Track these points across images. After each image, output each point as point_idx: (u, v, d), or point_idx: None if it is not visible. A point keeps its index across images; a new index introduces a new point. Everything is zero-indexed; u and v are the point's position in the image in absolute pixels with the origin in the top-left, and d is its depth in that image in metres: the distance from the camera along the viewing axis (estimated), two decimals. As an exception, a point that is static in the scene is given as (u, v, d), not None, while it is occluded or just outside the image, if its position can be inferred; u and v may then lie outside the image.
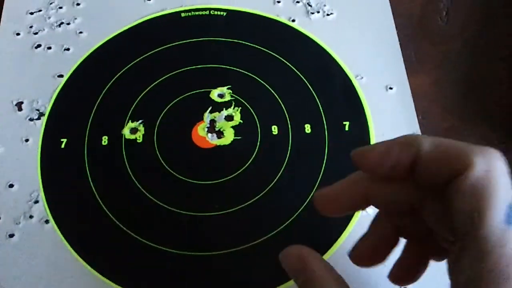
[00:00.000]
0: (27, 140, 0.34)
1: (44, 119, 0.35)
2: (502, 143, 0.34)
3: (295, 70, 0.36)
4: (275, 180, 0.32)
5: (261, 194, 0.32)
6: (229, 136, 0.34)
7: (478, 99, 0.36)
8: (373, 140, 0.34)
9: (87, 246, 0.30)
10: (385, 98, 0.35)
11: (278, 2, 0.40)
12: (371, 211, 0.31)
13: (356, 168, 0.22)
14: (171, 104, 0.35)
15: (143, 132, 0.34)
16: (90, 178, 0.32)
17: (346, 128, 0.34)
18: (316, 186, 0.32)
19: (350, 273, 0.29)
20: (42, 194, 0.32)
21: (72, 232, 0.31)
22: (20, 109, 0.35)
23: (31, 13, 0.39)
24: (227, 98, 0.35)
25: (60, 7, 0.39)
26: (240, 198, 0.32)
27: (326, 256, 0.30)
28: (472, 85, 0.36)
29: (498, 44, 0.38)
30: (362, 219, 0.31)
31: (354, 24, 0.39)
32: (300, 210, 0.32)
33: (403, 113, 0.35)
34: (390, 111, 0.35)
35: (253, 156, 0.33)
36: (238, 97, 0.35)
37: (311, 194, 0.32)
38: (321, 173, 0.33)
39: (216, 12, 0.39)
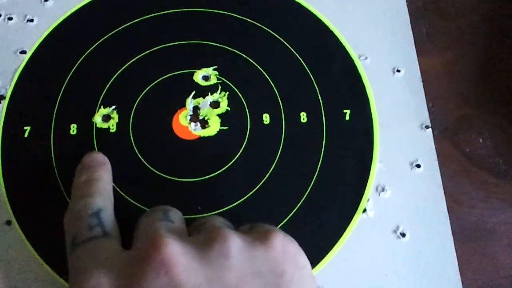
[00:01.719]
0: (-15, 127, 0.30)
1: (4, 103, 0.30)
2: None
3: (290, 48, 0.32)
4: (267, 176, 0.29)
5: (250, 193, 0.28)
6: (214, 126, 0.30)
7: (495, 84, 0.32)
8: (376, 131, 0.30)
9: (53, 249, 0.27)
10: (392, 82, 0.31)
11: (273, -33, 0.35)
12: (372, 214, 0.28)
13: None
14: (149, 88, 0.31)
15: (116, 120, 0.30)
16: (56, 172, 0.28)
17: (347, 117, 0.30)
18: (312, 182, 0.29)
19: (350, 279, 0.26)
20: (3, 191, 0.28)
21: (36, 233, 0.27)
22: (-24, 91, 0.31)
23: (-12, -23, 0.34)
24: (213, 81, 0.31)
25: (21, -30, 0.34)
26: (226, 198, 0.28)
27: (324, 260, 0.27)
28: (489, 67, 0.32)
29: (520, 19, 0.34)
30: (362, 222, 0.28)
31: (358, -6, 0.34)
32: (295, 209, 0.28)
33: (411, 100, 0.31)
34: (396, 98, 0.31)
35: (242, 149, 0.29)
36: (226, 80, 0.31)
37: (307, 192, 0.29)
38: (318, 167, 0.29)
39: (202, -22, 0.34)
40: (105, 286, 0.19)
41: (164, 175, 0.29)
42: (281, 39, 0.32)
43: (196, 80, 0.31)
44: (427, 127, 0.30)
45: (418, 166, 0.29)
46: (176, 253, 0.20)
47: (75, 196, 0.25)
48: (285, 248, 0.21)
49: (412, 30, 0.33)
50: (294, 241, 0.22)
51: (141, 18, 0.33)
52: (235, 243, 0.21)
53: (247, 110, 0.30)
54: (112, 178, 0.27)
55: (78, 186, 0.26)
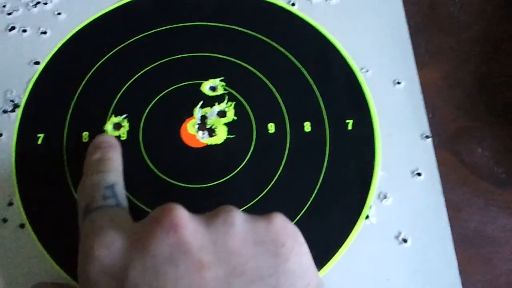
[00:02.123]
0: (0, 135, 0.31)
1: (19, 111, 0.31)
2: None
3: (295, 60, 0.33)
4: (272, 184, 0.30)
5: (256, 200, 0.29)
6: (221, 135, 0.31)
7: (492, 96, 0.33)
8: (378, 141, 0.31)
9: (65, 253, 0.28)
10: (392, 94, 0.32)
11: (277, -17, 0.36)
12: (375, 220, 0.28)
13: None
14: (158, 98, 0.32)
15: (127, 129, 0.31)
16: (69, 179, 0.29)
17: (349, 127, 0.31)
18: (316, 190, 0.30)
19: (353, 284, 0.27)
20: (16, 196, 0.29)
21: (49, 237, 0.28)
22: (-9, 100, 0.32)
23: (4, -9, 0.35)
24: (220, 91, 0.32)
25: (36, -15, 0.35)
26: (233, 204, 0.29)
27: (328, 265, 0.28)
28: (486, 80, 0.33)
29: (516, 34, 0.35)
30: (365, 228, 0.29)
31: (360, 9, 0.35)
32: (299, 216, 0.29)
33: (411, 111, 0.32)
34: (397, 109, 0.32)
35: (248, 157, 0.30)
36: (232, 91, 0.32)
37: (311, 199, 0.29)
38: (322, 176, 0.30)
39: (209, -6, 0.36)
40: (117, 245, 0.21)
41: (173, 181, 0.29)
42: (285, 52, 0.34)
43: (203, 91, 0.32)
44: (427, 137, 0.31)
45: (419, 174, 0.30)
46: (185, 217, 0.21)
47: (89, 171, 0.26)
48: (285, 225, 0.22)
49: (412, 44, 0.34)
50: (293, 224, 0.23)
51: (151, 31, 0.34)
52: (239, 215, 0.22)
53: (253, 119, 0.31)
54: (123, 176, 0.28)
55: (92, 163, 0.27)
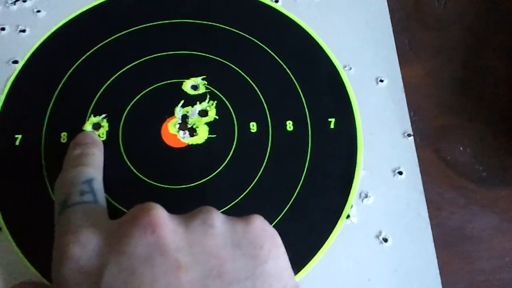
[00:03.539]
0: (-23, 136, 0.30)
1: (-4, 111, 0.31)
2: (500, 143, 0.31)
3: (277, 58, 0.33)
4: (253, 183, 0.30)
5: (237, 200, 0.29)
6: (202, 134, 0.31)
7: (477, 94, 0.33)
8: (360, 140, 0.31)
9: (43, 257, 0.27)
10: (375, 92, 0.32)
11: (260, -21, 0.36)
12: (355, 220, 0.28)
13: None
14: (138, 97, 0.31)
15: (107, 129, 0.30)
16: (47, 181, 0.29)
17: (332, 126, 0.31)
18: (298, 189, 0.29)
19: (334, 284, 0.27)
20: (-6, 198, 0.29)
21: (26, 240, 0.28)
22: (-32, 100, 0.31)
23: (-19, -12, 0.35)
24: (202, 90, 0.32)
25: (14, -18, 0.35)
26: (213, 204, 0.28)
27: (309, 265, 0.28)
28: (470, 77, 0.33)
29: (501, 31, 0.35)
30: (346, 228, 0.29)
31: (343, 5, 0.35)
32: (280, 216, 0.29)
33: (394, 109, 0.32)
34: (380, 107, 0.32)
35: (229, 156, 0.30)
36: (214, 89, 0.32)
37: (293, 198, 0.29)
38: (303, 175, 0.30)
39: (190, -10, 0.35)
40: (93, 243, 0.20)
41: (153, 182, 0.29)
42: (268, 49, 0.33)
43: (185, 90, 0.32)
44: (409, 135, 0.31)
45: (400, 173, 0.30)
46: (164, 216, 0.21)
47: (68, 165, 0.26)
48: (264, 226, 0.22)
49: (395, 41, 0.34)
50: (272, 228, 0.23)
51: (132, 29, 0.33)
52: (218, 216, 0.22)
53: (234, 118, 0.31)
54: (103, 177, 0.28)
55: (72, 157, 0.27)
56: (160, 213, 0.21)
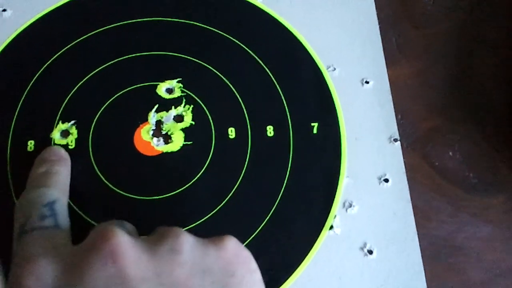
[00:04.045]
0: None
1: (-41, 118, 0.29)
2: (492, 148, 0.30)
3: (257, 58, 0.31)
4: (231, 193, 0.28)
5: (214, 211, 0.27)
6: (178, 141, 0.29)
7: (466, 95, 0.31)
8: (344, 145, 0.29)
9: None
10: (360, 94, 0.31)
11: (240, -26, 0.34)
12: (339, 231, 0.27)
13: None
14: (109, 101, 0.30)
15: (76, 136, 0.29)
16: (13, 191, 0.27)
17: (314, 131, 0.30)
18: (279, 198, 0.28)
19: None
20: (-44, 211, 0.27)
21: None
22: None
23: None
24: (177, 93, 0.30)
25: (-22, -21, 0.33)
26: (190, 216, 0.27)
27: (291, 279, 0.26)
28: (461, 78, 0.31)
29: (493, 27, 0.33)
30: (329, 239, 0.27)
31: (327, 3, 0.33)
32: (260, 227, 0.27)
33: (380, 113, 0.30)
34: (365, 110, 0.30)
35: (206, 165, 0.28)
36: (190, 93, 0.30)
37: (273, 208, 0.28)
38: (284, 183, 0.28)
39: (166, -14, 0.33)
40: (49, 274, 0.19)
41: (124, 193, 0.28)
42: (248, 49, 0.31)
43: (159, 93, 0.30)
44: (395, 140, 0.29)
45: (386, 180, 0.28)
46: (125, 244, 0.19)
47: (30, 186, 0.25)
48: (237, 251, 0.21)
49: (382, 39, 0.32)
50: (246, 249, 0.22)
51: (102, 28, 0.32)
52: (187, 240, 0.20)
53: (212, 124, 0.29)
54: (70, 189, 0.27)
55: (35, 177, 0.25)
56: (120, 239, 0.19)
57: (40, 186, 0.24)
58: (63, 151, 0.27)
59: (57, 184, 0.25)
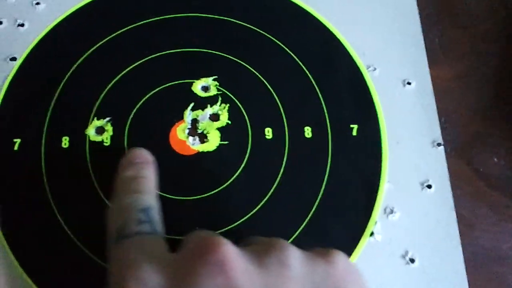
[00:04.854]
0: (-27, 139, 0.28)
1: (-7, 113, 0.29)
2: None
3: (295, 57, 0.30)
4: (268, 195, 0.27)
5: (250, 213, 0.27)
6: (214, 141, 0.28)
7: (511, 100, 0.30)
8: (385, 149, 0.28)
9: (42, 270, 0.25)
10: (402, 95, 0.30)
11: (277, -31, 0.33)
12: (380, 238, 0.26)
13: None
14: (145, 99, 0.29)
15: (111, 133, 0.28)
16: (47, 188, 0.27)
17: (354, 133, 0.29)
18: (316, 202, 0.27)
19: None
20: (-9, 206, 0.27)
21: (25, 252, 0.26)
22: (-37, 101, 0.29)
23: (-23, -22, 0.32)
24: (213, 92, 0.29)
25: (12, -29, 0.32)
26: (226, 217, 0.27)
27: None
28: (506, 79, 0.30)
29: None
30: (369, 246, 0.26)
31: (367, 0, 0.32)
32: (298, 231, 0.27)
33: (422, 116, 0.29)
34: (407, 113, 0.29)
35: (242, 165, 0.28)
36: (226, 91, 0.29)
37: (311, 212, 0.27)
38: (323, 187, 0.28)
39: (201, -20, 0.32)
40: (153, 281, 0.18)
41: (160, 193, 0.27)
42: (285, 47, 0.31)
43: (195, 91, 0.29)
44: (439, 144, 0.28)
45: (429, 186, 0.27)
46: (233, 254, 0.18)
47: (123, 190, 0.24)
48: (347, 268, 0.20)
49: (424, 39, 0.31)
50: (355, 265, 0.21)
51: (138, 23, 0.31)
52: (295, 254, 0.19)
53: (248, 123, 0.29)
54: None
55: (125, 181, 0.24)
56: (229, 250, 0.18)
57: (132, 191, 0.23)
58: (148, 154, 0.26)
59: (148, 190, 0.24)
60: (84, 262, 0.26)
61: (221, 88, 0.29)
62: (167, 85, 0.29)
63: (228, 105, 0.29)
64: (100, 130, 0.28)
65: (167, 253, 0.20)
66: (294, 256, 0.19)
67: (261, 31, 0.31)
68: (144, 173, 0.25)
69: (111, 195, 0.24)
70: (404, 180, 0.28)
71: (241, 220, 0.27)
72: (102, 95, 0.29)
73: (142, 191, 0.24)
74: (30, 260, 0.26)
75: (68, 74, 0.30)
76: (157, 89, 0.29)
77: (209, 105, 0.29)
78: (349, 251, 0.26)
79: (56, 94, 0.29)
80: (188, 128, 0.28)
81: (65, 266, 0.26)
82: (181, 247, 0.21)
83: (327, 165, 0.28)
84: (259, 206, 0.27)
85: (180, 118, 0.29)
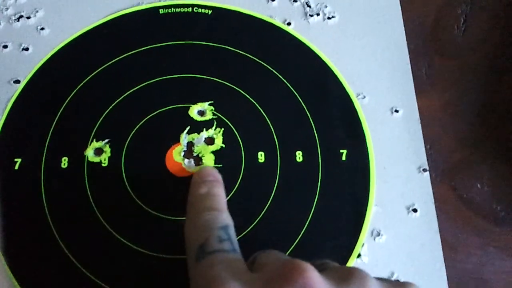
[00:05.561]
0: (-25, 157, 0.29)
1: (-4, 133, 0.30)
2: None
3: (288, 84, 0.32)
4: (259, 217, 0.28)
5: (242, 234, 0.28)
6: (208, 163, 0.29)
7: (496, 127, 0.31)
8: (373, 173, 0.29)
9: (38, 284, 0.26)
10: (390, 122, 0.31)
11: (273, 0, 0.34)
12: (367, 260, 0.27)
13: None
14: (143, 122, 0.30)
15: (109, 154, 0.29)
16: (46, 208, 0.28)
17: (343, 158, 0.30)
18: (306, 225, 0.28)
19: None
20: (-10, 224, 0.28)
21: (24, 271, 0.27)
22: (-33, 121, 0.30)
23: (-15, 4, 0.34)
24: (209, 116, 0.31)
25: (19, -3, 0.34)
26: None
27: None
28: (489, 109, 0.32)
29: (520, 61, 0.33)
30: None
31: (358, 30, 0.34)
32: (288, 252, 0.28)
33: (409, 142, 0.30)
34: (394, 139, 0.30)
35: (235, 188, 0.29)
36: (221, 116, 0.31)
37: (301, 234, 0.28)
38: (312, 209, 0.29)
39: (200, 10, 0.34)
40: None
41: (156, 213, 0.28)
42: (278, 75, 0.32)
43: (191, 115, 0.31)
44: (424, 170, 0.29)
45: (415, 210, 0.28)
46: (318, 279, 0.19)
47: (199, 208, 0.24)
48: None
49: (412, 69, 0.32)
50: None
51: (137, 50, 0.32)
52: (375, 284, 0.20)
53: (242, 147, 0.30)
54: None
55: (200, 198, 0.25)
56: (314, 275, 0.19)
57: (210, 209, 0.24)
58: (217, 173, 0.27)
59: (224, 208, 0.24)
60: (83, 281, 0.26)
61: (217, 113, 0.31)
62: (165, 109, 0.31)
63: (222, 129, 0.30)
64: (98, 152, 0.29)
65: (249, 272, 0.21)
66: (374, 287, 0.20)
67: (256, 59, 0.32)
68: (217, 191, 0.25)
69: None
70: (390, 204, 0.29)
71: (233, 241, 0.28)
72: (102, 117, 0.30)
73: (218, 209, 0.24)
74: (27, 276, 0.26)
75: (70, 97, 0.31)
76: (155, 113, 0.30)
77: (204, 129, 0.30)
78: (337, 273, 0.27)
79: (57, 116, 0.30)
80: (184, 151, 0.30)
81: (63, 284, 0.26)
82: (258, 267, 0.21)
83: (317, 188, 0.29)
84: (250, 228, 0.28)
85: (177, 141, 0.30)
